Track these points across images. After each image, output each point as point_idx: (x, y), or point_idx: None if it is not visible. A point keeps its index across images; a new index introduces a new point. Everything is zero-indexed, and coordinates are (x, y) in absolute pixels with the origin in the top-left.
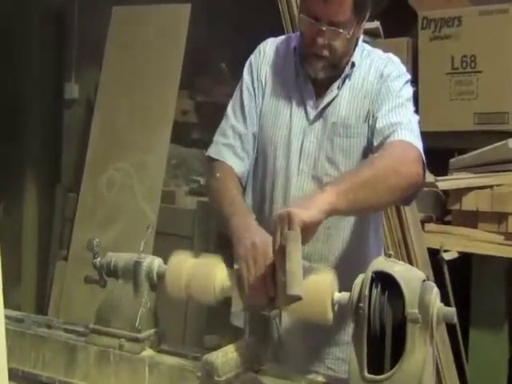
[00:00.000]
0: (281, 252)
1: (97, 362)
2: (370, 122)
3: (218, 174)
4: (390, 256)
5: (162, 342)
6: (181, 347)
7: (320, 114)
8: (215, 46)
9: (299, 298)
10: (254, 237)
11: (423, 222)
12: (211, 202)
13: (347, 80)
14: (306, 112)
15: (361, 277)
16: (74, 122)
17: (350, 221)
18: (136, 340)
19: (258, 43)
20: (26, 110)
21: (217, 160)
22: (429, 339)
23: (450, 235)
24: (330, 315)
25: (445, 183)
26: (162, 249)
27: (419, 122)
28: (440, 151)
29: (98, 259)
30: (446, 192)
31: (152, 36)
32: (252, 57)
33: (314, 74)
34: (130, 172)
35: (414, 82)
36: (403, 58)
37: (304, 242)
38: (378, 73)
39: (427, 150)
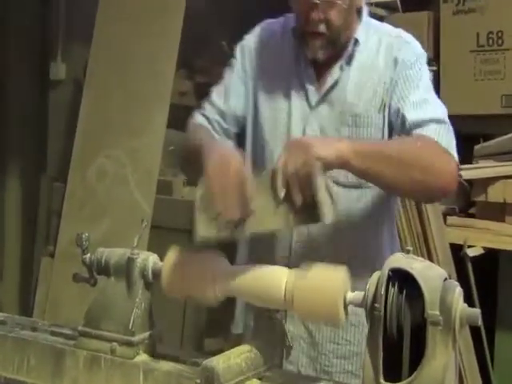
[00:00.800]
0: (298, 178)
1: (86, 368)
2: (386, 113)
3: (190, 128)
4: (408, 252)
5: (157, 345)
6: (178, 351)
7: (323, 99)
8: (215, 23)
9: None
10: (221, 150)
11: (445, 215)
12: (185, 161)
13: (353, 60)
14: (306, 96)
15: (376, 274)
16: (61, 104)
17: (363, 215)
18: (129, 344)
19: (261, 20)
20: (8, 92)
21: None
22: (451, 343)
23: (475, 229)
24: (342, 316)
25: (469, 172)
26: (158, 244)
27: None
28: (464, 137)
29: (88, 255)
30: (470, 182)
31: (147, 10)
32: (247, 37)
33: (312, 55)
34: (122, 160)
35: (435, 60)
36: (423, 34)
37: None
38: (390, 56)
39: None
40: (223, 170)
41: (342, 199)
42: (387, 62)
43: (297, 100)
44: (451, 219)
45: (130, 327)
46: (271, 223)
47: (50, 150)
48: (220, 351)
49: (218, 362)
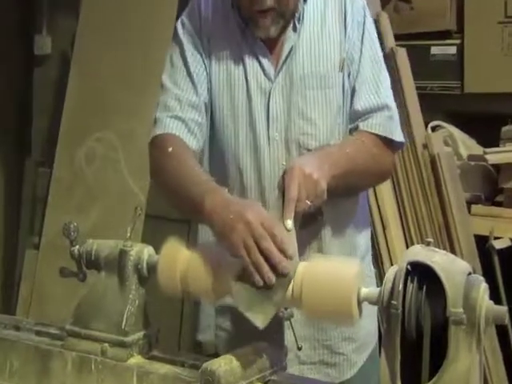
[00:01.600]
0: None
1: (75, 371)
2: (346, 72)
3: (169, 149)
4: (428, 244)
5: (153, 346)
6: (176, 353)
7: (282, 68)
8: None
9: None
10: (241, 213)
11: (469, 203)
12: (166, 187)
13: (303, 20)
14: (263, 70)
15: (393, 269)
16: (47, 82)
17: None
18: (122, 344)
19: None
20: None
21: (164, 135)
22: (475, 344)
23: (502, 219)
24: (356, 314)
25: (495, 156)
26: (154, 235)
27: (465, 85)
28: (490, 117)
29: (77, 247)
30: (496, 167)
31: None
32: (186, 16)
33: (264, 34)
34: (114, 143)
35: (459, 33)
36: (445, 5)
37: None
38: (336, 9)
39: (474, 116)
40: (256, 237)
41: None
42: (336, 16)
43: (254, 77)
44: (476, 208)
45: (123, 326)
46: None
47: (34, 132)
48: (219, 354)
49: (220, 365)
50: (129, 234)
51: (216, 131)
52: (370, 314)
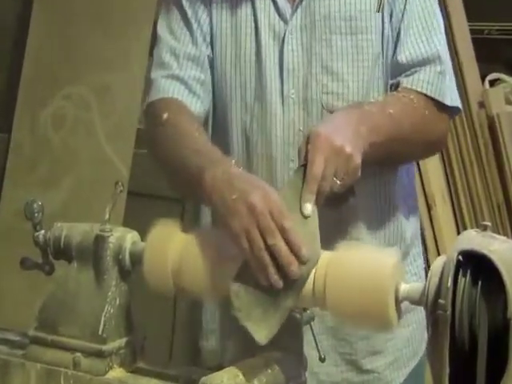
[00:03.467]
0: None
1: None
2: (386, 13)
3: (164, 115)
4: (485, 228)
5: (137, 357)
6: (167, 365)
7: (299, 5)
8: None
9: None
10: (246, 193)
11: None
12: (160, 158)
13: None
14: (276, 7)
15: (441, 260)
16: (3, 24)
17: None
18: (99, 354)
19: None
20: None
21: (160, 100)
22: None
23: None
24: (394, 317)
25: None
26: (139, 217)
27: None
28: None
29: (42, 232)
30: None
31: None
32: None
33: None
34: (88, 101)
35: None
36: None
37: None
38: None
39: None
40: (261, 226)
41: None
42: None
43: (264, 16)
44: None
45: (100, 332)
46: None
47: None
48: (223, 365)
49: (222, 380)
50: (107, 216)
51: (218, 89)
52: (412, 318)
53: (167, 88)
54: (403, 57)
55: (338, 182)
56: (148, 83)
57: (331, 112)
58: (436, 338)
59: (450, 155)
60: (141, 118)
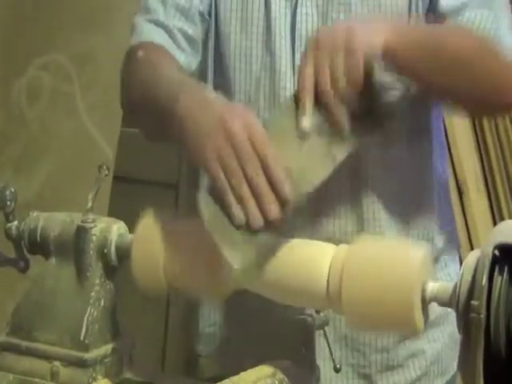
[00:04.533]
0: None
1: None
2: None
3: (139, 54)
4: None
5: (125, 366)
6: (158, 375)
7: None
8: None
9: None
10: (223, 116)
11: None
12: (129, 100)
13: None
14: None
15: (474, 255)
16: None
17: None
18: (81, 363)
19: None
20: None
21: (139, 43)
22: None
23: None
24: (420, 320)
25: None
26: (126, 205)
27: None
28: None
29: (15, 223)
30: None
31: None
32: None
33: None
34: (67, 71)
35: None
36: None
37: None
38: None
39: None
40: (238, 151)
41: None
42: None
43: None
44: None
45: (82, 338)
46: (314, 173)
47: None
48: (221, 376)
49: None
50: (90, 204)
51: (221, 56)
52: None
53: (149, 33)
54: (443, 3)
55: (343, 86)
56: (131, 29)
57: None
58: (468, 344)
59: (485, 136)
60: None
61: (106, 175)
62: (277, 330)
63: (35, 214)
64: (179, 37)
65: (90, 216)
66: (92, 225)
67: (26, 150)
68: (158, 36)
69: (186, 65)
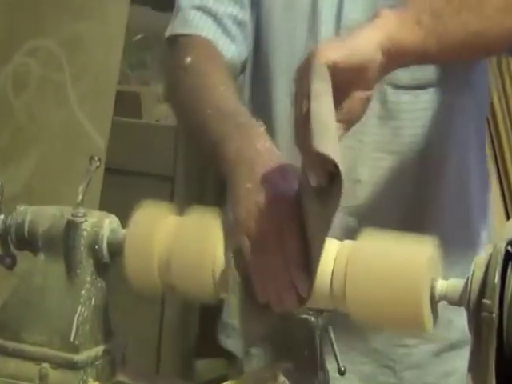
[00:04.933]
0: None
1: None
2: None
3: (187, 60)
4: None
5: (117, 368)
6: (153, 378)
7: None
8: None
9: (332, 165)
10: (264, 185)
11: None
12: (177, 112)
13: None
14: None
15: (486, 251)
16: None
17: (441, 137)
18: (71, 365)
19: None
20: None
21: (185, 36)
22: None
23: None
24: (428, 319)
25: None
26: (119, 198)
27: None
28: None
29: (1, 217)
30: None
31: None
32: None
33: None
34: (56, 57)
35: None
36: None
37: (342, 96)
38: None
39: None
40: (266, 228)
41: (404, 112)
42: None
43: None
44: None
45: (72, 338)
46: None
47: None
48: (220, 379)
49: None
50: (80, 198)
51: (262, 37)
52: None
53: (197, 23)
54: None
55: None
56: (175, 9)
57: (395, 84)
58: (479, 346)
59: (497, 123)
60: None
61: (98, 167)
62: (280, 329)
63: (23, 207)
64: (229, 24)
65: (81, 210)
66: (83, 219)
67: (13, 141)
68: (207, 27)
69: (236, 56)
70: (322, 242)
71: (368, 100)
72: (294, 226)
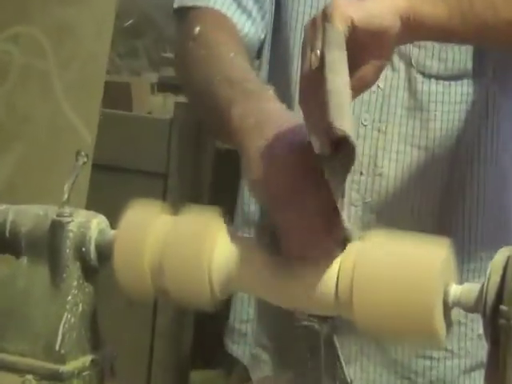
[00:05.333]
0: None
1: None
2: None
3: (196, 29)
4: None
5: (106, 379)
6: None
7: None
8: None
9: (346, 140)
10: (277, 145)
11: None
12: (185, 84)
13: None
14: None
15: (503, 253)
16: None
17: (474, 130)
18: (56, 376)
19: None
20: None
21: (196, 9)
22: None
23: None
24: (441, 328)
25: None
26: (107, 197)
27: None
28: None
29: None
30: None
31: None
32: None
33: None
34: (41, 46)
35: None
36: None
37: (355, 62)
38: None
39: None
40: (290, 190)
41: (434, 104)
42: None
43: None
44: None
45: (58, 347)
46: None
47: None
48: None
49: None
50: (66, 196)
51: (280, 19)
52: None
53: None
54: None
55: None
56: None
57: (424, 73)
58: (496, 355)
59: None
60: (111, 64)
61: (85, 163)
62: (284, 337)
63: (4, 206)
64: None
65: (67, 209)
66: (69, 219)
67: None
68: (220, 0)
69: (253, 33)
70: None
71: (381, 69)
72: (310, 181)
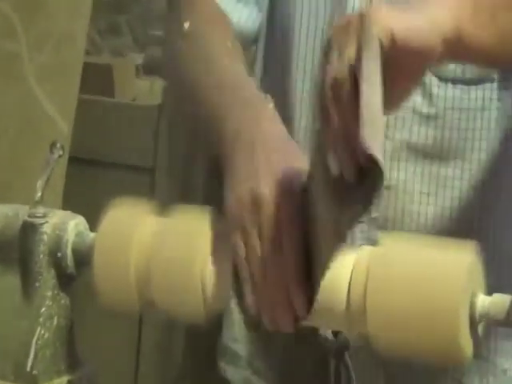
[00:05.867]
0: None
1: None
2: None
3: (185, 25)
4: None
5: None
6: None
7: None
8: None
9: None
10: (257, 176)
11: None
12: (175, 90)
13: None
14: None
15: None
16: None
17: (498, 136)
18: None
19: None
20: None
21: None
22: None
23: None
24: (467, 344)
25: None
26: (86, 194)
27: None
28: None
29: None
30: None
31: None
32: None
33: None
34: (11, 24)
35: None
36: None
37: (396, 85)
38: None
39: None
40: (259, 224)
41: (451, 110)
42: None
43: None
44: None
45: (29, 368)
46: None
47: None
48: None
49: None
50: (39, 194)
51: (277, 5)
52: None
53: None
54: None
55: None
56: None
57: (441, 79)
58: None
59: None
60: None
61: (61, 156)
62: (288, 355)
63: None
64: None
65: (40, 209)
66: (42, 220)
67: None
68: None
69: (248, 21)
70: (332, 252)
71: (409, 93)
72: (294, 229)
